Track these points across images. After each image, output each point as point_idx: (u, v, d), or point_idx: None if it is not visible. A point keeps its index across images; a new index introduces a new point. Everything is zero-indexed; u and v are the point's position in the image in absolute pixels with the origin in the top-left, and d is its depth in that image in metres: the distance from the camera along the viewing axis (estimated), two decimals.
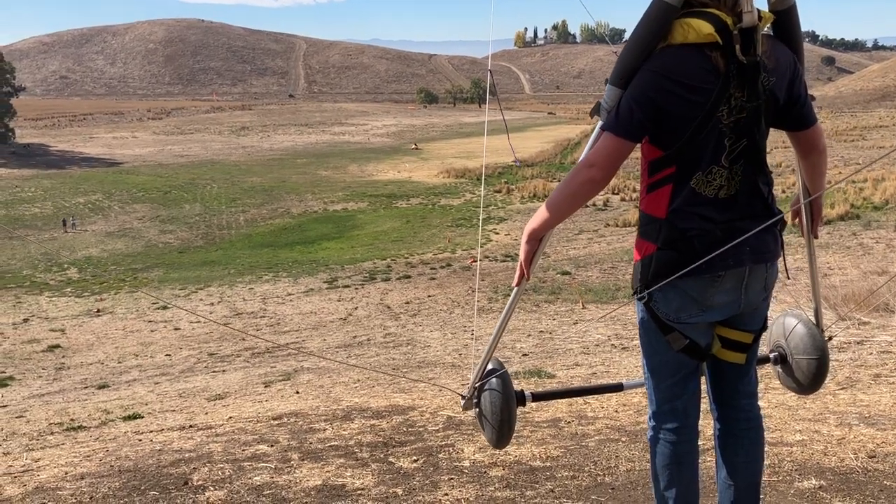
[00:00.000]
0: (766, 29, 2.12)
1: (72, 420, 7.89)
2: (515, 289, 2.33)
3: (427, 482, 3.51)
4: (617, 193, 46.96)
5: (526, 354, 9.68)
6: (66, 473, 4.23)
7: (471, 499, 3.26)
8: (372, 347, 13.53)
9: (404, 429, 4.68)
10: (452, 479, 3.54)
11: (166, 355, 16.98)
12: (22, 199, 59.53)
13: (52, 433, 7.05)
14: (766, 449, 3.49)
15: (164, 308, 26.47)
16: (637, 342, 2.47)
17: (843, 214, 31.64)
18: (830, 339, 2.82)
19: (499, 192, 53.99)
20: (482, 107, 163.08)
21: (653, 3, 2.06)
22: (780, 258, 2.29)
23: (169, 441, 5.05)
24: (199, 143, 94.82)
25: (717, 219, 2.11)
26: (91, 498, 3.59)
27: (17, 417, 8.96)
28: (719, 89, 2.00)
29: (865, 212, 32.27)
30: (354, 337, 16.13)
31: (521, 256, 2.23)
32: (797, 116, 2.18)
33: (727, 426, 2.39)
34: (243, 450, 4.41)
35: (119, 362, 16.78)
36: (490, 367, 2.52)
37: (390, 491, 3.42)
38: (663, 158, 2.12)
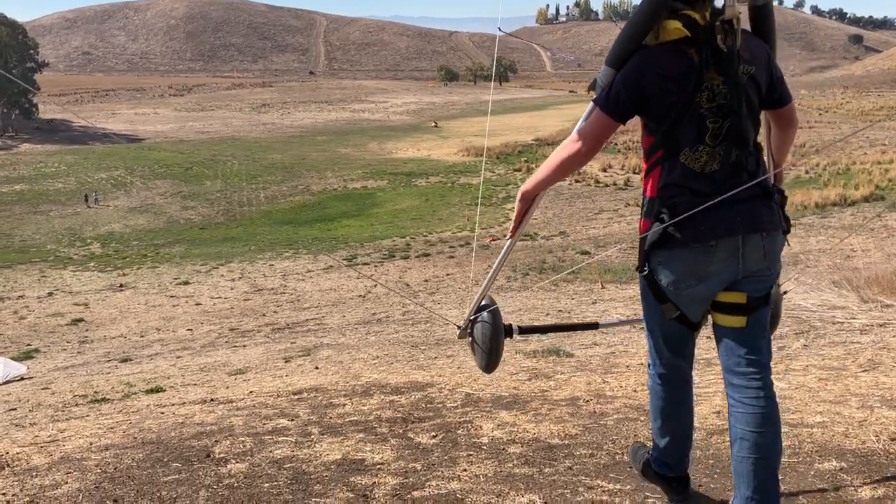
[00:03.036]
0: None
1: (96, 392, 8.01)
2: (510, 240, 2.70)
3: (446, 458, 3.54)
4: (638, 173, 46.54)
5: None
6: (91, 444, 4.30)
7: (489, 475, 3.28)
8: (391, 324, 13.58)
9: (423, 405, 4.71)
10: (471, 455, 3.57)
11: (188, 330, 17.19)
12: (45, 174, 60.18)
13: (76, 405, 7.16)
14: (786, 430, 3.49)
15: (186, 283, 26.73)
16: None
17: (868, 196, 31.23)
18: (786, 293, 3.17)
19: (518, 170, 53.74)
20: (502, 85, 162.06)
21: None
22: (783, 232, 2.42)
23: (191, 414, 5.12)
24: (220, 120, 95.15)
25: (704, 191, 2.29)
26: (115, 468, 3.66)
27: (42, 389, 9.12)
28: (696, 78, 2.25)
29: (890, 193, 31.81)
30: (374, 314, 16.22)
31: (515, 213, 2.58)
32: (777, 97, 2.47)
33: (737, 397, 2.40)
34: (264, 424, 4.46)
35: (141, 336, 17.01)
36: (484, 303, 2.89)
37: (409, 466, 3.45)
38: (655, 144, 2.37)
